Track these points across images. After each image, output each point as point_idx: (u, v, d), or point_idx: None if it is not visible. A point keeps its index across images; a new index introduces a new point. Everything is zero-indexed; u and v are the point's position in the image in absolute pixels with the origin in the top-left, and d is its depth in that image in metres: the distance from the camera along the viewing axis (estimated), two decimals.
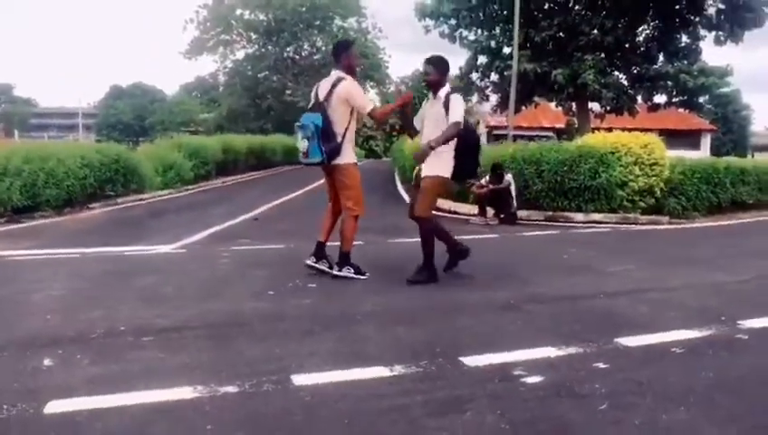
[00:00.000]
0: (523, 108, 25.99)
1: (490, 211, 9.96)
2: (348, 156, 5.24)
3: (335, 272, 5.34)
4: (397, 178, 21.34)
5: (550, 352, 3.45)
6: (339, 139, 5.15)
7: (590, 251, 7.33)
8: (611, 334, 3.78)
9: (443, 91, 5.23)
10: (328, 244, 5.55)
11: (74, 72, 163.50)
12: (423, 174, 5.30)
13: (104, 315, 4.08)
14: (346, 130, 5.20)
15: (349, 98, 5.14)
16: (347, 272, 5.33)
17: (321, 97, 5.21)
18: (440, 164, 5.17)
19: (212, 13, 44.17)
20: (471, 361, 3.27)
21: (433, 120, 5.26)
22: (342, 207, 5.37)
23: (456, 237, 5.72)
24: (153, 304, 4.40)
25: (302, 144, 5.16)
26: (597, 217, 10.01)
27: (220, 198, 14.34)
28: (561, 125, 35.14)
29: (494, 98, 25.40)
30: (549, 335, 3.77)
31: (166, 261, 6.36)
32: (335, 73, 5.27)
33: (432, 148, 5.03)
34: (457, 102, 5.14)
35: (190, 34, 46.28)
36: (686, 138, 40.38)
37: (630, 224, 9.93)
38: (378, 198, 14.81)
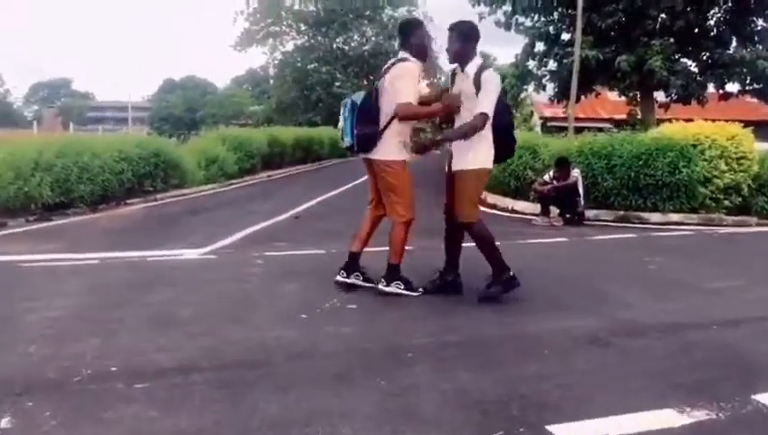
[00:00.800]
0: (582, 97, 24.65)
1: (554, 210, 8.97)
2: (391, 150, 4.38)
3: (381, 287, 4.50)
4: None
5: (669, 417, 2.54)
6: (379, 127, 4.35)
7: (679, 260, 6.29)
8: (746, 388, 2.84)
9: (472, 66, 4.32)
10: (365, 250, 4.73)
11: (133, 67, 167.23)
12: (455, 168, 4.40)
13: (99, 347, 3.36)
14: (392, 119, 4.34)
15: (394, 81, 4.32)
16: (396, 287, 4.49)
17: (380, 79, 4.48)
18: (474, 153, 4.28)
19: (262, 4, 43.87)
20: (563, 432, 2.40)
21: (465, 99, 4.35)
22: (388, 212, 4.51)
23: (518, 241, 4.81)
24: (161, 331, 3.66)
25: (340, 123, 4.51)
26: (675, 217, 8.89)
27: (263, 193, 13.71)
28: (621, 116, 33.43)
29: (550, 87, 24.21)
30: (661, 388, 2.85)
31: (190, 270, 5.64)
32: (400, 54, 4.51)
33: (440, 140, 4.49)
34: (490, 84, 4.22)
35: (240, 26, 46.24)
36: (759, 129, 38.09)
37: (714, 226, 8.78)
38: (428, 192, 13.94)
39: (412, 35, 4.46)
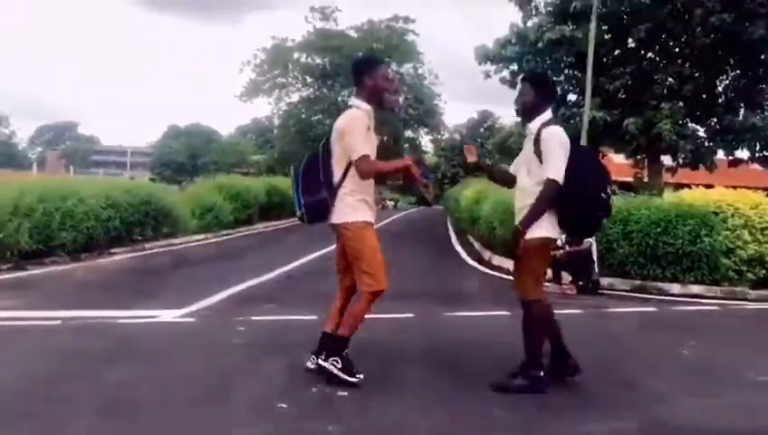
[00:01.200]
0: None
1: (566, 276, 8.35)
2: (346, 212, 3.69)
3: (319, 361, 3.74)
4: (450, 230, 19.85)
5: None
6: (329, 189, 3.70)
7: (713, 343, 5.61)
8: None
9: (535, 123, 3.76)
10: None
11: (140, 113, 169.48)
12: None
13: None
14: (343, 177, 3.70)
15: (341, 136, 3.68)
16: (332, 365, 3.67)
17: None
18: (541, 220, 3.67)
19: (270, 56, 44.23)
20: None
21: (524, 164, 3.84)
22: (357, 282, 3.78)
23: None
24: (109, 421, 3.02)
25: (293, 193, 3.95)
26: (696, 289, 8.25)
27: (257, 245, 13.14)
28: (625, 178, 33.17)
29: None
30: None
31: (162, 338, 4.97)
32: (350, 101, 3.90)
33: (521, 234, 3.68)
34: (553, 143, 3.61)
35: (247, 77, 46.59)
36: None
37: (739, 300, 8.15)
38: (430, 253, 13.40)
39: (365, 75, 3.75)
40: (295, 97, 46.54)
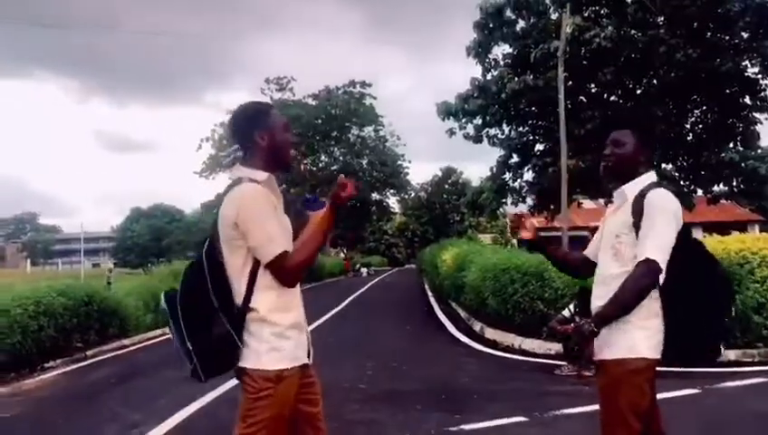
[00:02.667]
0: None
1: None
2: (262, 354, 2.29)
3: None
4: (430, 295, 18.58)
5: None
6: (229, 316, 2.30)
7: None
8: None
9: (634, 185, 2.62)
10: None
11: (105, 199, 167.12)
12: (597, 356, 2.60)
13: None
14: (250, 289, 2.32)
15: (239, 224, 2.30)
16: None
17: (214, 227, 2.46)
18: (628, 331, 2.46)
19: (228, 130, 43.50)
20: None
21: (610, 239, 2.65)
22: None
23: (550, 411, 3.04)
24: None
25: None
26: (732, 355, 7.11)
27: None
28: (597, 223, 32.57)
29: (529, 198, 23.14)
30: None
31: None
32: (234, 172, 2.53)
33: (595, 332, 2.45)
34: (663, 211, 2.49)
35: (206, 153, 45.61)
36: (733, 230, 37.47)
37: None
38: (413, 327, 12.08)
39: (256, 131, 2.42)
40: None
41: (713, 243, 7.66)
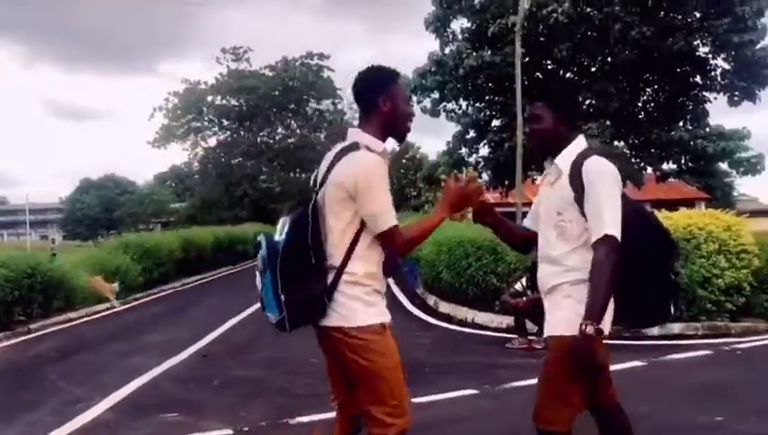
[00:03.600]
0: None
1: (530, 326, 7.20)
2: (358, 311, 2.33)
3: None
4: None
5: None
6: (322, 278, 2.33)
7: (738, 412, 4.55)
8: None
9: (566, 156, 2.49)
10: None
11: (50, 168, 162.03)
12: (547, 332, 2.50)
13: None
14: (349, 253, 2.34)
15: (354, 192, 2.30)
16: None
17: (318, 185, 2.48)
18: (577, 307, 2.32)
19: (183, 100, 42.42)
20: None
21: (551, 217, 2.52)
22: (367, 419, 2.39)
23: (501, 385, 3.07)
24: None
25: (258, 283, 2.46)
26: (676, 328, 7.28)
27: (170, 311, 11.46)
28: None
29: (484, 174, 23.28)
30: None
31: None
32: (351, 134, 2.47)
33: (600, 330, 2.26)
34: (605, 181, 2.38)
35: (159, 123, 44.44)
36: (678, 208, 38.42)
37: (722, 336, 7.23)
38: None
39: (380, 96, 2.41)
40: (212, 141, 44.87)
41: (660, 218, 7.78)
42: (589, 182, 2.37)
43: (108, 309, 11.75)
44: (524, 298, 6.97)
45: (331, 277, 2.33)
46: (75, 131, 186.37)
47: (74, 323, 10.39)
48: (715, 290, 7.40)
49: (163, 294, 14.45)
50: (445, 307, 9.69)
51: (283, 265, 2.33)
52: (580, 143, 2.52)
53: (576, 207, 2.39)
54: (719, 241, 7.42)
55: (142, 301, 13.14)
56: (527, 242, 2.74)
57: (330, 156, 2.46)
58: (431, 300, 10.62)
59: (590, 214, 2.36)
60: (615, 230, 2.30)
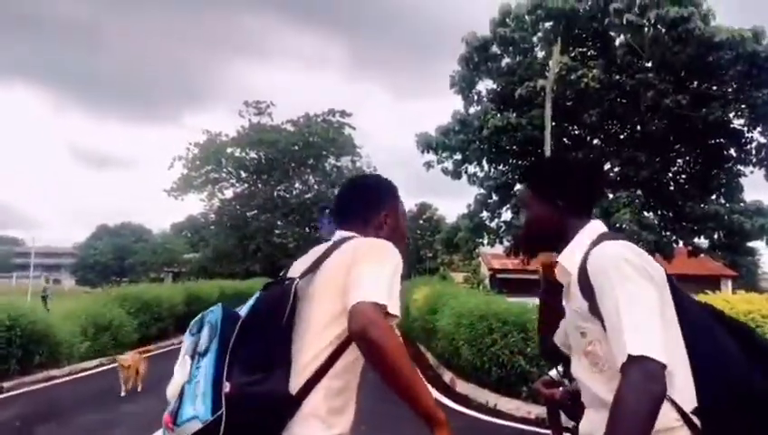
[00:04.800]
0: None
1: (565, 419, 6.22)
2: (321, 428, 1.54)
3: None
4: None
5: None
6: (284, 372, 1.56)
7: None
8: None
9: (572, 253, 1.68)
10: None
11: (72, 213, 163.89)
12: None
13: None
14: (329, 361, 1.59)
15: (357, 259, 1.64)
16: None
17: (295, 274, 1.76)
18: None
19: (203, 150, 42.43)
20: None
21: (576, 340, 1.68)
22: None
23: None
24: None
25: (180, 372, 1.56)
26: None
27: (162, 374, 10.48)
28: None
29: (505, 239, 22.38)
30: None
31: None
32: (342, 235, 1.85)
33: None
34: (617, 277, 1.48)
35: (178, 172, 44.36)
36: (705, 284, 37.06)
37: None
38: (373, 374, 11.04)
39: (384, 208, 1.96)
40: (229, 193, 44.60)
41: (718, 301, 6.83)
42: (597, 285, 1.54)
43: (96, 367, 10.84)
44: (561, 388, 5.98)
45: (284, 383, 1.55)
46: (97, 178, 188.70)
47: (55, 381, 9.49)
48: None
49: (159, 351, 13.50)
50: (463, 387, 8.66)
51: (239, 342, 1.55)
52: (591, 232, 1.72)
53: (597, 321, 1.56)
54: None
55: None
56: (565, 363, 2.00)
57: (316, 250, 1.85)
58: (447, 377, 9.58)
59: (609, 331, 1.50)
60: (646, 347, 1.41)
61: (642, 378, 1.38)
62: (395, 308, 1.54)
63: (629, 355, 1.40)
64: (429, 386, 8.92)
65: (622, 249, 1.56)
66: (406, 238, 2.03)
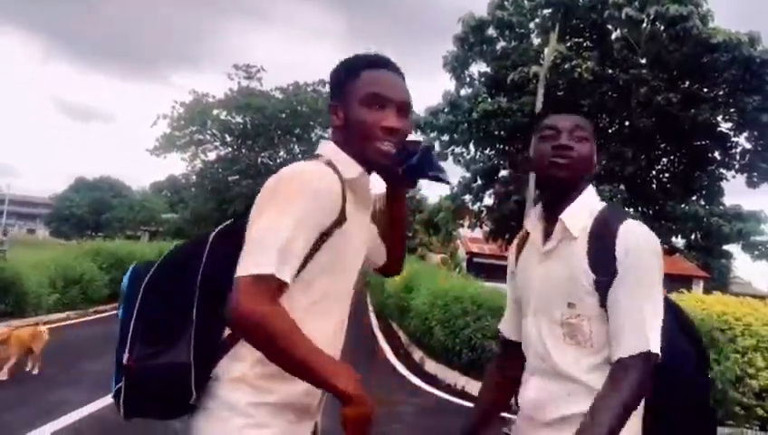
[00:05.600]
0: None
1: None
2: (222, 417, 1.34)
3: None
4: (370, 310, 17.52)
5: None
6: (193, 348, 1.37)
7: None
8: None
9: (581, 210, 1.56)
10: None
11: (51, 163, 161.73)
12: None
13: None
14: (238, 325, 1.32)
15: (256, 209, 1.35)
16: None
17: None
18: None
19: (188, 110, 41.78)
20: None
21: (555, 307, 1.56)
22: None
23: None
24: None
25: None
26: None
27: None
28: None
29: (485, 224, 22.40)
30: None
31: None
32: (321, 147, 1.57)
33: None
34: (655, 268, 1.48)
35: (161, 130, 43.79)
36: (678, 283, 37.49)
37: None
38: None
39: (333, 98, 1.55)
40: (212, 156, 44.09)
41: (691, 301, 6.85)
42: (632, 264, 1.47)
43: (63, 320, 10.67)
44: None
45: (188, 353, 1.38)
46: (80, 130, 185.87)
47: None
48: (748, 392, 6.40)
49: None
50: (432, 367, 8.65)
51: (143, 309, 1.42)
52: (593, 195, 1.63)
53: (596, 296, 1.49)
54: (757, 336, 6.45)
55: (104, 314, 12.03)
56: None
57: None
58: (417, 355, 9.58)
59: (624, 313, 1.45)
60: (655, 344, 1.43)
61: (648, 375, 1.42)
62: (286, 271, 1.25)
63: (647, 351, 1.41)
64: (400, 365, 8.95)
65: (656, 240, 1.55)
66: (371, 137, 1.45)
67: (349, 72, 1.50)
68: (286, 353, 1.22)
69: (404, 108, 1.47)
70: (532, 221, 1.68)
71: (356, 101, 1.45)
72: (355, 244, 1.47)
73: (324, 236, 1.35)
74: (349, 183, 1.42)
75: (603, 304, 1.48)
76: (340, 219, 1.37)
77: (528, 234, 1.71)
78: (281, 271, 1.24)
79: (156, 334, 1.40)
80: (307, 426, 1.45)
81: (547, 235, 1.62)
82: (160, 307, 1.42)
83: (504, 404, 1.87)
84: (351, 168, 1.44)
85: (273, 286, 1.23)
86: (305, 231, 1.30)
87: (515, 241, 1.81)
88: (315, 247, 1.34)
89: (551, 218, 1.62)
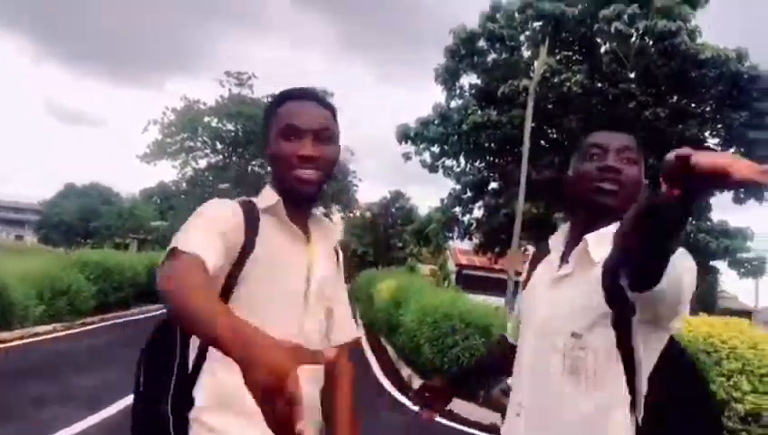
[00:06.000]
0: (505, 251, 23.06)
1: None
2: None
3: None
4: (359, 323, 17.47)
5: None
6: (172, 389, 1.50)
7: None
8: None
9: (601, 240, 1.42)
10: None
11: (43, 169, 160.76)
12: None
13: None
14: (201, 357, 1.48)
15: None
16: None
17: None
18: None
19: (180, 117, 41.65)
20: None
21: (556, 336, 1.49)
22: None
23: None
24: None
25: None
26: None
27: (118, 344, 10.27)
28: None
29: (475, 236, 22.44)
30: None
31: None
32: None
33: None
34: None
35: (152, 136, 43.58)
36: None
37: None
38: None
39: (267, 127, 1.60)
40: (203, 163, 43.97)
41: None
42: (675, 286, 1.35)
43: (49, 332, 10.59)
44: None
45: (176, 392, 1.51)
46: (71, 136, 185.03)
47: (6, 344, 9.22)
48: (734, 417, 6.42)
49: (117, 320, 13.25)
50: (419, 384, 8.63)
51: (147, 356, 1.65)
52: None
53: (609, 325, 1.41)
54: (743, 359, 6.47)
55: (92, 327, 11.96)
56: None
57: None
58: (405, 372, 9.56)
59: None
60: None
61: None
62: (184, 242, 1.31)
63: None
64: (388, 383, 8.93)
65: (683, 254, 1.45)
66: (290, 163, 1.49)
67: (270, 108, 1.60)
68: (181, 309, 1.14)
69: (322, 135, 1.52)
70: (557, 239, 1.61)
71: (276, 135, 1.53)
72: (284, 268, 1.51)
73: (237, 268, 1.44)
74: (265, 211, 1.51)
75: (619, 342, 1.38)
76: (248, 248, 1.44)
77: (548, 251, 1.62)
78: (184, 245, 1.30)
79: (154, 383, 1.54)
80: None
81: (564, 258, 1.54)
82: (160, 356, 1.57)
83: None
84: (268, 197, 1.53)
85: (182, 257, 1.28)
86: (207, 229, 1.40)
87: (532, 253, 1.74)
88: (231, 281, 1.45)
89: (576, 239, 1.51)
